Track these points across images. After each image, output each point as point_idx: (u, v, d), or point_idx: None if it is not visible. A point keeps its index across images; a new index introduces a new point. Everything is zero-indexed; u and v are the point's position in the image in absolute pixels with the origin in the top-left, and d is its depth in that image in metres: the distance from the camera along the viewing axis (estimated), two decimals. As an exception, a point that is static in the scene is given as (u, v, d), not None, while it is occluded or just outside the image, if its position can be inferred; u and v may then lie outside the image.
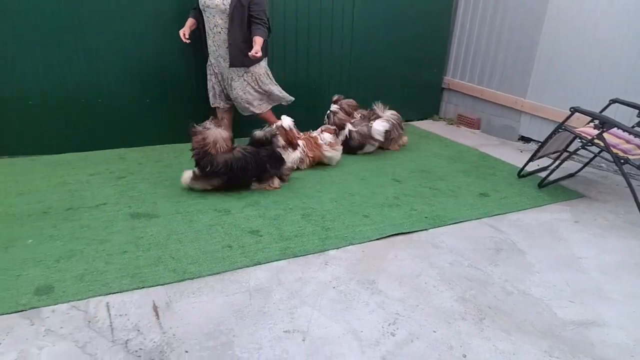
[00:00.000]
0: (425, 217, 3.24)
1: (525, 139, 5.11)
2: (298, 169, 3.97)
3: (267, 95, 4.19)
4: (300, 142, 3.99)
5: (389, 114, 4.58)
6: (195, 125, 3.40)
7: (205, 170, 3.36)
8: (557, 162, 3.90)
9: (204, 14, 3.91)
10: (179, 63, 4.31)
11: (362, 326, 2.19)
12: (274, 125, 3.89)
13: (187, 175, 3.45)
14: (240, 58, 3.89)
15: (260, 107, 4.18)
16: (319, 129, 4.23)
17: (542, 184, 3.82)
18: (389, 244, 2.91)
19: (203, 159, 3.35)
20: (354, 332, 2.15)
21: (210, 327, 2.16)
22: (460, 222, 3.22)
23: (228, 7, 3.75)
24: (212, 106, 4.26)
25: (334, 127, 4.33)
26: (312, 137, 4.09)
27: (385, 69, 5.35)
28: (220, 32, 3.88)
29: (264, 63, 4.10)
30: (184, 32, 3.92)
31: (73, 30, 3.86)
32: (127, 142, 4.36)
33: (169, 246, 2.78)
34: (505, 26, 5.07)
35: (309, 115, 4.60)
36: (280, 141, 3.76)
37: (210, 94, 4.22)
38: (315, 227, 3.04)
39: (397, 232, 3.02)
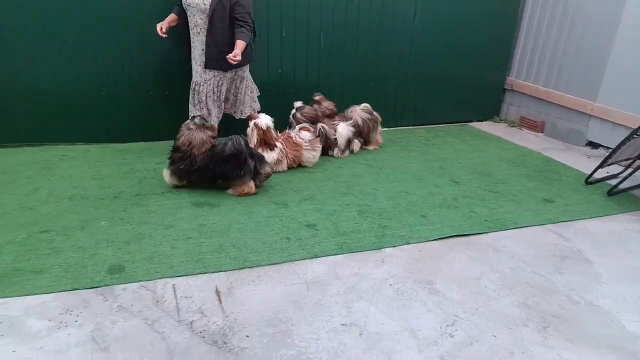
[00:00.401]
0: (485, 220, 3.16)
1: (594, 145, 4.85)
2: (275, 172, 3.75)
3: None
4: (278, 143, 3.81)
5: (359, 110, 4.36)
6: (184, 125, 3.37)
7: (179, 168, 3.34)
8: (629, 170, 3.68)
9: (186, 13, 3.72)
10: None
11: (419, 325, 2.18)
12: (250, 124, 3.78)
13: (166, 173, 3.43)
14: (217, 61, 3.69)
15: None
16: (297, 128, 4.01)
17: (612, 192, 3.62)
18: (447, 246, 2.87)
19: (181, 159, 3.32)
20: (411, 330, 2.14)
21: (270, 315, 2.22)
22: (523, 227, 3.12)
23: (208, 7, 3.56)
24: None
25: (312, 125, 4.09)
26: (289, 137, 3.89)
27: (445, 68, 5.25)
28: (199, 33, 3.69)
29: (246, 69, 3.95)
30: (162, 26, 3.69)
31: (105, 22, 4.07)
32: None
33: (229, 235, 2.88)
34: (576, 26, 4.83)
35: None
36: (252, 141, 3.70)
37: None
38: (371, 224, 3.04)
39: (455, 234, 2.97)
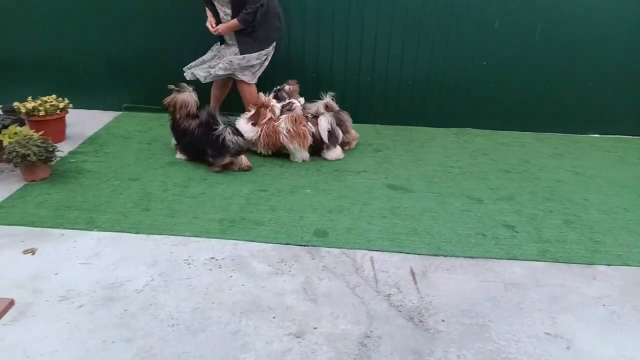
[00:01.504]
0: None
1: None
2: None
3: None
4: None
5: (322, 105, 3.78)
6: (171, 86, 3.54)
7: (178, 141, 3.58)
8: None
9: (215, 5, 3.83)
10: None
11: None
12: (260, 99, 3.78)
13: (177, 148, 3.68)
14: (250, 44, 3.82)
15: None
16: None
17: None
18: (677, 276, 2.45)
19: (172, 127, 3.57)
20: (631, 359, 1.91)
21: (465, 306, 2.20)
22: None
23: None
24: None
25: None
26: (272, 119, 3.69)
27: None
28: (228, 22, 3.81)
29: (256, 55, 3.87)
30: (212, 23, 3.87)
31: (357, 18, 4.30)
32: (382, 120, 4.68)
33: (423, 221, 2.92)
34: None
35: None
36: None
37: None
38: (580, 237, 2.77)
39: (690, 265, 2.52)
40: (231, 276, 2.35)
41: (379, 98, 4.58)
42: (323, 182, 3.40)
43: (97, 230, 2.67)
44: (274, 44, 3.97)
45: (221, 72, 3.86)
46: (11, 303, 1.28)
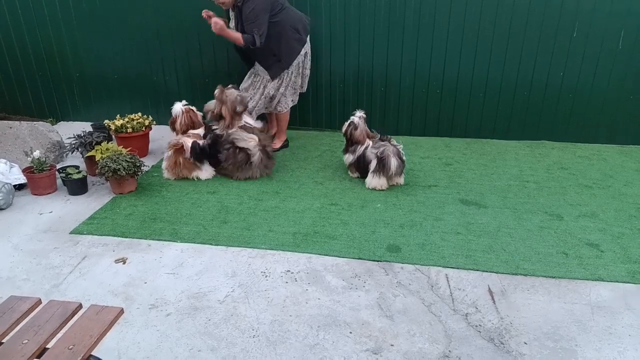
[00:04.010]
0: None
1: None
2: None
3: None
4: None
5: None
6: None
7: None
8: None
9: (230, 12, 3.87)
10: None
11: None
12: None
13: None
14: (276, 64, 3.90)
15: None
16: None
17: None
18: None
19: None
20: None
21: (548, 328, 2.11)
22: None
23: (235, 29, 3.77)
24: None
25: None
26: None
27: None
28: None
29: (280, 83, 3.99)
30: (209, 14, 3.85)
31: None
32: (451, 133, 4.60)
33: (499, 238, 2.84)
34: None
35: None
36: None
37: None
38: (676, 258, 2.57)
39: None
40: (307, 289, 2.41)
41: (447, 111, 4.51)
42: (393, 196, 3.40)
43: (181, 242, 2.84)
44: (301, 54, 3.96)
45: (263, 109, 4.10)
46: (121, 312, 1.40)
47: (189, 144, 3.56)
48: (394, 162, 3.37)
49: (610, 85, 4.17)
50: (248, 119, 3.77)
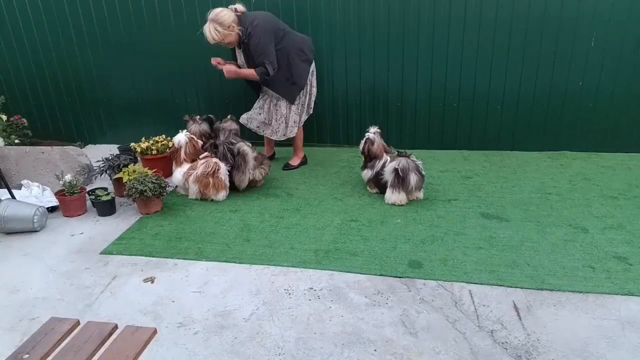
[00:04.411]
0: None
1: None
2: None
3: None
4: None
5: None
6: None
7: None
8: None
9: (236, 50, 3.96)
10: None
11: None
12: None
13: None
14: (290, 88, 3.98)
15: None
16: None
17: None
18: None
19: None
20: None
21: (577, 345, 2.08)
22: None
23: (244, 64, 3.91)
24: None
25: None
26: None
27: None
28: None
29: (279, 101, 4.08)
30: (219, 60, 4.01)
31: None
32: (469, 145, 4.59)
33: (522, 252, 2.81)
34: None
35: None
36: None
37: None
38: None
39: None
40: (330, 307, 2.43)
41: (465, 123, 4.52)
42: (413, 211, 3.41)
43: (205, 260, 2.90)
44: (310, 73, 4.05)
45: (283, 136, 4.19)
46: (154, 332, 1.45)
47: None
48: (413, 177, 3.39)
49: (631, 93, 4.13)
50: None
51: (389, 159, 3.59)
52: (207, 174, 3.62)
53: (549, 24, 4.05)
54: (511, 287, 2.50)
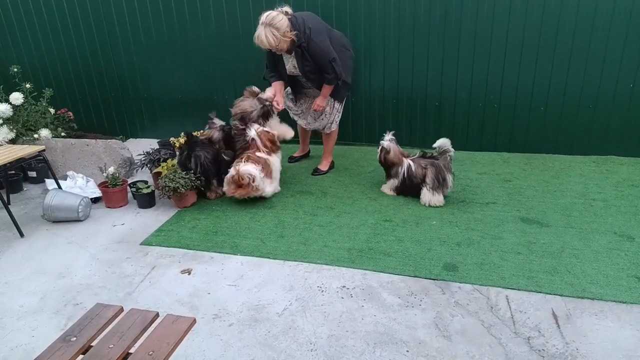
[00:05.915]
0: None
1: None
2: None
3: None
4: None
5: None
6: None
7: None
8: None
9: (283, 57, 3.85)
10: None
11: None
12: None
13: None
14: (340, 87, 3.89)
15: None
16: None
17: None
18: None
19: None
20: None
21: (619, 356, 2.01)
22: None
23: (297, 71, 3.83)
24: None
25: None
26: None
27: None
28: (310, 89, 4.03)
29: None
30: (278, 101, 3.89)
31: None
32: (510, 147, 4.48)
33: (563, 259, 2.73)
34: None
35: None
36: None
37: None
38: None
39: None
40: (362, 306, 2.43)
41: (506, 125, 4.40)
42: (449, 213, 3.36)
43: (241, 255, 2.95)
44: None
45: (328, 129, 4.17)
46: (194, 322, 1.50)
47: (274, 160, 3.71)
48: (450, 178, 3.34)
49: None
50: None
51: (411, 162, 3.54)
52: (243, 185, 3.46)
53: (598, 24, 3.89)
54: (550, 294, 2.43)
